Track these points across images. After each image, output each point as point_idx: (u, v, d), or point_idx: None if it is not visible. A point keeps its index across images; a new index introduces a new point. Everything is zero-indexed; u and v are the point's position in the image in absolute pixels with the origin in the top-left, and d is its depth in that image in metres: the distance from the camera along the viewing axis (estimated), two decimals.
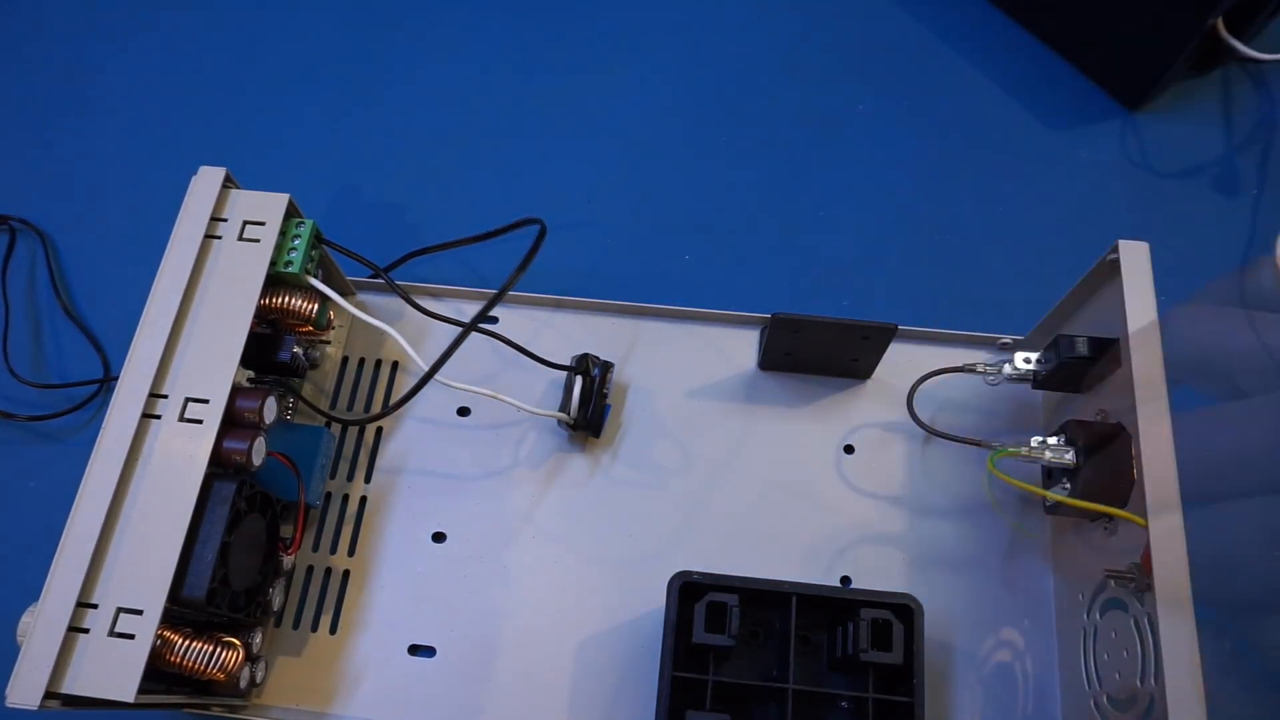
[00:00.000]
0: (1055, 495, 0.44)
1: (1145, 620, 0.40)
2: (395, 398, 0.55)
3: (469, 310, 0.53)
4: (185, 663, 0.41)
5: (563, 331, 0.58)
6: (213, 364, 0.44)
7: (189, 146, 0.69)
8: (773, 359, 0.55)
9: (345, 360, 0.57)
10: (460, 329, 0.49)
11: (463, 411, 0.56)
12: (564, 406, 0.53)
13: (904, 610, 0.43)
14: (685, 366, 0.57)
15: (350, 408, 0.56)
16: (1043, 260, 0.63)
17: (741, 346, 0.57)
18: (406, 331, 0.50)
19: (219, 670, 0.42)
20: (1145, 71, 0.64)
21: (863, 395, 0.56)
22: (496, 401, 0.52)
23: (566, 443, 0.55)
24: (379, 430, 0.55)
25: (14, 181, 0.68)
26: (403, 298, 0.51)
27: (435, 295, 0.58)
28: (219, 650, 0.42)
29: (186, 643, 0.41)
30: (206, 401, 0.43)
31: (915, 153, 0.67)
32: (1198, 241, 0.62)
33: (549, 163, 0.68)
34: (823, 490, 0.53)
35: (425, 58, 0.72)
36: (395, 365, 0.57)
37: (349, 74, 0.72)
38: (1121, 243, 0.45)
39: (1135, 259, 0.45)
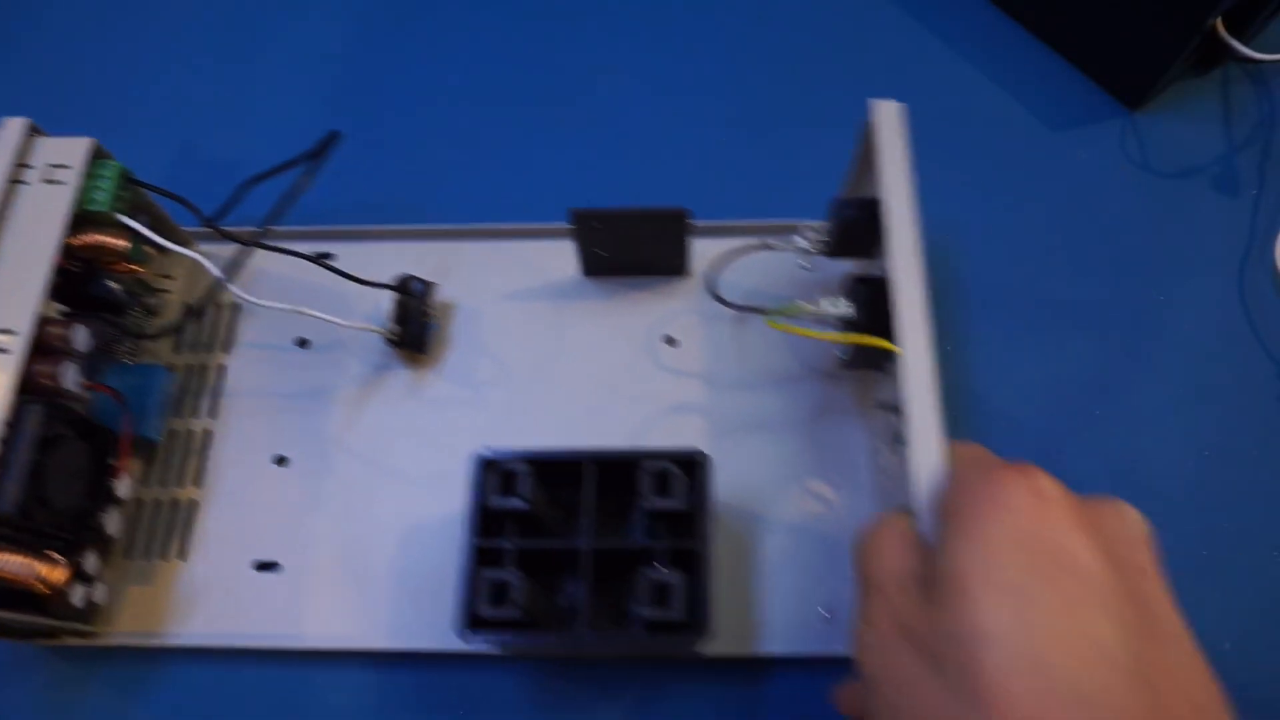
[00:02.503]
0: (831, 336, 0.47)
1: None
2: (235, 337, 0.57)
3: (302, 248, 0.55)
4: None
5: (392, 261, 0.59)
6: (17, 296, 0.46)
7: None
8: (591, 263, 0.57)
9: (187, 307, 0.59)
10: (295, 257, 0.52)
11: (302, 343, 0.58)
12: (388, 324, 0.55)
13: (689, 462, 0.45)
14: (510, 282, 0.59)
15: (194, 350, 0.59)
16: (1043, 260, 0.61)
17: (567, 258, 0.59)
18: (245, 276, 0.52)
19: (38, 582, 0.44)
20: (1145, 71, 0.63)
21: (682, 290, 0.58)
22: (334, 331, 0.55)
23: (394, 361, 0.57)
24: (221, 366, 0.58)
25: None
26: (218, 232, 0.53)
27: (270, 237, 0.60)
28: (37, 562, 0.44)
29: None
30: (13, 333, 0.45)
31: (914, 153, 0.64)
32: (1198, 241, 0.61)
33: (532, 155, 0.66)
34: (643, 381, 0.56)
35: (426, 57, 0.71)
36: (236, 309, 0.60)
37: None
38: (873, 102, 0.48)
39: (888, 119, 0.48)
